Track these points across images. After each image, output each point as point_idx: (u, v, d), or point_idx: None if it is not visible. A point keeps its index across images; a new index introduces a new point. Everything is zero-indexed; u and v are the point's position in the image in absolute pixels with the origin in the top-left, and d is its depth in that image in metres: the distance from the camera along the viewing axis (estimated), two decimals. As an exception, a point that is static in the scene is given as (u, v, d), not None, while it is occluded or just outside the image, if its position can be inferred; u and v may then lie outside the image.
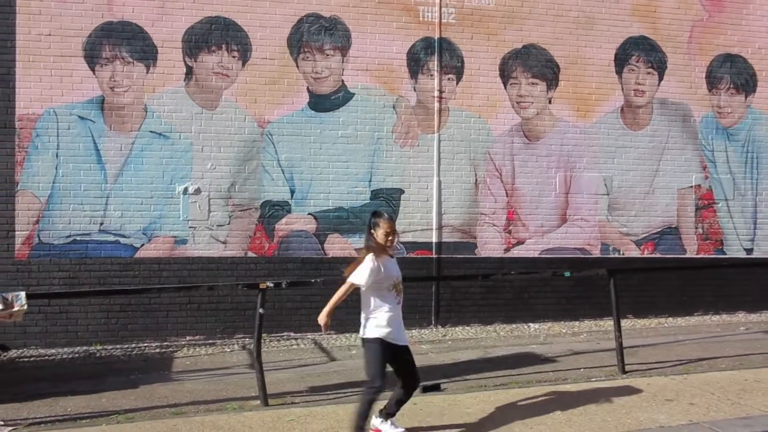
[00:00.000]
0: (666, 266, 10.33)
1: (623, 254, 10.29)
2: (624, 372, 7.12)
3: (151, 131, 9.07)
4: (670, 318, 10.23)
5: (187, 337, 9.15)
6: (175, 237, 9.14)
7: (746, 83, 10.62)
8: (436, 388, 6.57)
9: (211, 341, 9.13)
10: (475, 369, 7.48)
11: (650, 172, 10.38)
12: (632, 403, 6.12)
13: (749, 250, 10.67)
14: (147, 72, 9.04)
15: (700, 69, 10.49)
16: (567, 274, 7.96)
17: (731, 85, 10.57)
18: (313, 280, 7.22)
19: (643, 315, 10.27)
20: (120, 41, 8.96)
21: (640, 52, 10.29)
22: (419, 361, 7.90)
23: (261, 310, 6.40)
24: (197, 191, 9.17)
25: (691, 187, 10.52)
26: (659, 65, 10.35)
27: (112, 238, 8.98)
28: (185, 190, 9.15)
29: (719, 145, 10.56)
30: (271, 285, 6.59)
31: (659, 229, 10.40)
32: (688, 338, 8.94)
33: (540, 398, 6.28)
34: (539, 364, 7.67)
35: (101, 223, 8.96)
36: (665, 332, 9.42)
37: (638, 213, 10.36)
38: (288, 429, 5.69)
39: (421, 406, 6.09)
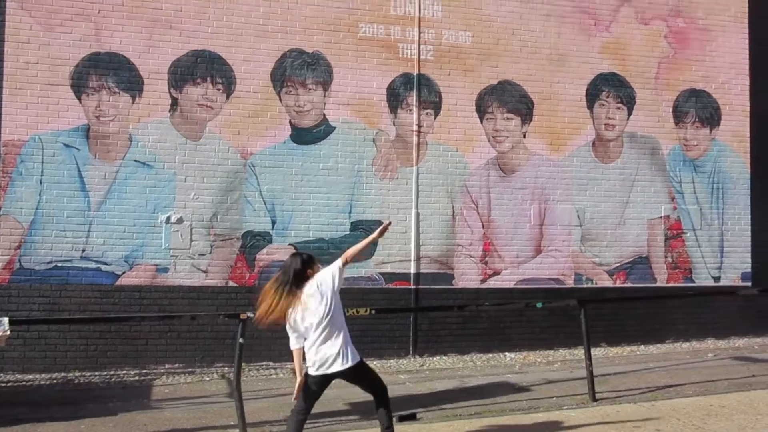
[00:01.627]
0: (636, 296, 10.42)
1: (596, 284, 10.38)
2: (595, 400, 7.14)
3: (135, 160, 9.06)
4: (642, 346, 10.30)
5: (166, 365, 9.05)
6: (156, 265, 9.08)
7: (711, 117, 10.86)
8: (411, 417, 6.54)
9: (190, 369, 9.03)
10: (450, 398, 7.46)
11: (621, 203, 10.53)
12: (602, 431, 6.14)
13: (717, 278, 10.81)
14: (133, 102, 9.05)
15: (667, 103, 10.72)
16: (539, 305, 8.03)
17: (697, 119, 10.81)
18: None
19: (616, 343, 10.33)
20: (107, 71, 8.98)
21: (610, 88, 10.50)
22: (395, 391, 7.94)
23: (241, 340, 6.37)
24: (180, 220, 9.15)
25: (661, 217, 10.68)
26: (628, 100, 10.57)
27: (93, 265, 8.90)
28: (168, 219, 9.12)
29: (686, 176, 10.75)
30: (252, 315, 6.53)
31: (631, 259, 10.52)
32: (658, 366, 9.01)
33: (512, 427, 6.28)
34: (513, 393, 7.67)
35: (83, 250, 8.88)
36: (637, 360, 9.48)
37: (610, 243, 10.48)
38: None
39: (398, 435, 6.06)
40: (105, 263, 8.94)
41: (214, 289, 9.21)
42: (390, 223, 5.66)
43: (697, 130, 10.81)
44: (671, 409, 6.73)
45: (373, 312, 7.06)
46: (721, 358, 9.47)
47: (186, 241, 9.17)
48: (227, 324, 9.19)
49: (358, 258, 5.56)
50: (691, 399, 7.13)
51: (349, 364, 5.20)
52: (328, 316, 5.14)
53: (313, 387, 5.21)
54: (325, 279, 5.21)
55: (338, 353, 5.16)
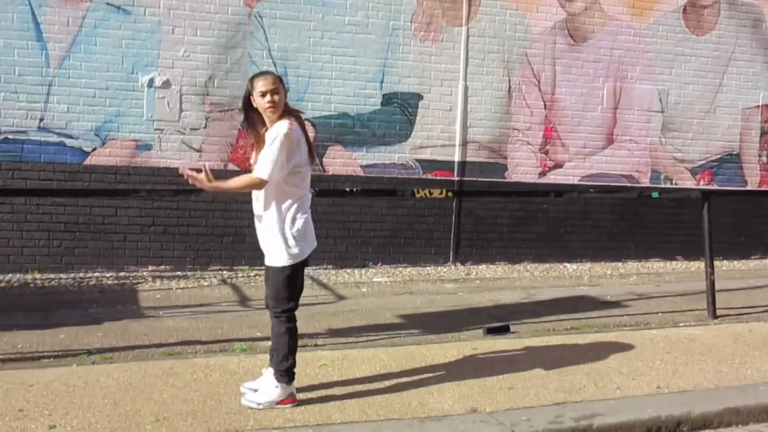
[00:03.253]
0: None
1: (676, 184, 9.79)
2: (715, 317, 6.62)
3: (107, 3, 8.00)
4: (726, 261, 9.81)
5: (150, 267, 8.29)
6: (136, 141, 8.17)
7: (829, -15, 10.10)
8: (504, 329, 5.94)
9: (179, 273, 8.29)
10: (527, 312, 6.89)
11: (712, 86, 9.84)
12: (743, 352, 5.63)
13: (820, 185, 10.32)
14: (104, -76, 7.92)
15: (779, -36, 9.92)
16: (655, 195, 7.39)
17: (812, -13, 10.03)
18: (348, 189, 6.34)
19: (695, 257, 9.81)
20: None
21: (710, -61, 9.63)
22: (449, 301, 7.35)
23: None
24: (166, 84, 8.18)
25: (758, 106, 10.05)
26: (731, -44, 9.73)
27: (55, 138, 7.96)
28: (150, 81, 8.15)
29: (794, 58, 10.07)
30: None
31: (719, 156, 9.94)
32: (761, 284, 8.51)
33: (629, 344, 5.71)
34: (603, 308, 7.13)
35: (41, 119, 7.92)
36: (727, 276, 8.98)
37: (696, 135, 9.84)
38: (324, 375, 4.96)
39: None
40: (70, 137, 8.01)
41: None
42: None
43: (811, 0, 10.06)
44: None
45: (449, 194, 6.34)
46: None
47: (174, 110, 8.24)
48: (226, 217, 8.46)
49: None
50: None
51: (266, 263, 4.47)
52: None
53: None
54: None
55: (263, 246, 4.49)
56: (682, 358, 5.44)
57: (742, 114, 10.00)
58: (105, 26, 8.01)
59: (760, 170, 10.12)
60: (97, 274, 8.08)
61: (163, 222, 8.31)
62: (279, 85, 4.32)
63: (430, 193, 5.86)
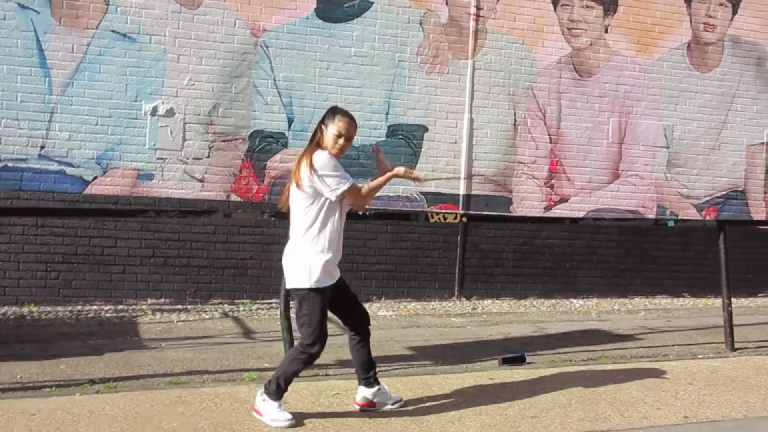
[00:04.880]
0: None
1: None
2: (734, 349, 6.50)
3: (113, 30, 7.94)
4: (733, 298, 9.64)
5: (149, 300, 8.10)
6: (138, 170, 8.06)
7: (829, 24, 10.20)
8: (520, 360, 5.79)
9: (180, 306, 8.10)
10: (540, 344, 6.76)
11: (717, 123, 9.85)
12: (764, 383, 5.52)
13: (826, 221, 10.29)
14: (111, -48, 7.91)
15: (780, 3, 10.02)
16: (671, 223, 7.32)
17: (813, 26, 10.13)
18: (360, 213, 6.16)
19: (702, 294, 9.74)
20: None
21: (713, -22, 9.73)
22: (458, 334, 7.21)
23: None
24: (169, 112, 8.10)
25: (762, 143, 10.06)
26: (734, -5, 9.84)
27: (55, 166, 7.84)
28: (154, 110, 8.07)
29: (796, 95, 10.12)
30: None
31: (724, 192, 9.91)
32: (773, 319, 8.44)
33: (649, 375, 5.59)
34: (617, 341, 7.01)
35: (42, 147, 7.80)
36: (737, 313, 8.81)
37: (701, 171, 9.82)
38: (338, 404, 4.80)
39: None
40: (71, 165, 7.88)
41: (212, 204, 8.23)
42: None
43: (812, 38, 10.15)
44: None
45: (464, 220, 6.26)
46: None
47: (177, 139, 8.15)
48: (227, 249, 8.33)
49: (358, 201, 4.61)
50: None
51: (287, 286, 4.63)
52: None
53: None
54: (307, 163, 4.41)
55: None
56: (706, 388, 5.32)
57: (747, 151, 10.01)
58: (109, 54, 7.95)
59: (765, 207, 10.09)
60: (95, 306, 7.89)
61: (164, 254, 8.16)
62: (354, 133, 4.56)
63: (444, 218, 5.77)
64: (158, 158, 8.12)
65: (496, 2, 9.02)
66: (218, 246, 8.30)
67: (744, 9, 9.87)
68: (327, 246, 4.43)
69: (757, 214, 10.03)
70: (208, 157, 8.27)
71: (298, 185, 4.43)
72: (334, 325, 7.53)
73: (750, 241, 10.00)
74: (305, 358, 4.47)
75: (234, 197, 8.33)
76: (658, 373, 5.65)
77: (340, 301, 4.68)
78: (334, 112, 4.55)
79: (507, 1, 9.04)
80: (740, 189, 9.99)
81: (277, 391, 4.47)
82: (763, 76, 10.01)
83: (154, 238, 8.11)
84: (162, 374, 5.48)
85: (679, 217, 9.64)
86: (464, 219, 6.53)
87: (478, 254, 9.10)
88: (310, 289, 4.42)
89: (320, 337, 4.46)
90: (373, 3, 8.64)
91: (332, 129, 4.45)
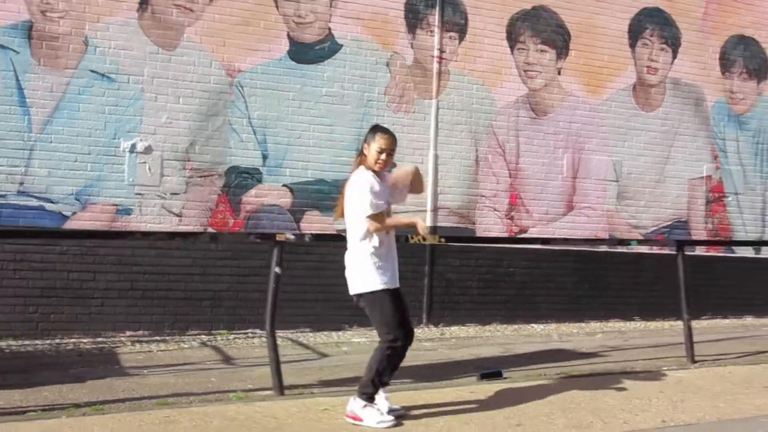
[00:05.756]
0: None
1: (632, 249, 9.79)
2: (694, 361, 6.50)
3: (92, 70, 7.76)
4: (679, 321, 9.71)
5: (127, 332, 7.78)
6: (116, 205, 7.81)
7: (759, 68, 10.52)
8: (497, 375, 5.67)
9: (159, 337, 7.79)
10: (511, 363, 6.65)
11: (661, 158, 10.02)
12: (731, 390, 5.51)
13: (758, 249, 10.45)
14: (92, -5, 7.77)
15: (714, 49, 10.31)
16: (634, 243, 7.33)
17: (744, 70, 10.44)
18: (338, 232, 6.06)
19: (651, 318, 9.77)
20: (56, -45, 7.67)
21: (654, 26, 9.98)
22: (433, 356, 7.07)
23: (277, 270, 5.31)
24: (147, 150, 7.91)
25: (702, 177, 10.24)
26: (673, 41, 10.08)
27: (34, 202, 7.54)
28: (132, 147, 7.86)
29: (731, 133, 10.36)
30: (291, 237, 5.53)
31: (669, 223, 10.02)
32: (722, 337, 8.48)
33: (622, 386, 5.53)
34: (584, 358, 6.95)
35: (21, 183, 7.51)
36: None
37: (648, 203, 9.94)
38: (328, 418, 4.61)
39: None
40: (50, 201, 7.59)
41: (190, 237, 8.00)
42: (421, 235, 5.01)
43: (743, 82, 10.44)
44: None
45: (442, 240, 6.19)
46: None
47: (155, 175, 7.94)
48: (204, 281, 8.08)
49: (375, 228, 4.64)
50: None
51: (351, 292, 4.74)
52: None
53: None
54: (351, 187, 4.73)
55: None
56: (676, 396, 5.26)
57: (689, 184, 10.17)
58: (88, 93, 7.75)
59: (707, 236, 10.22)
60: (74, 339, 7.53)
61: (142, 286, 7.87)
62: (394, 148, 4.76)
63: (424, 239, 5.67)
64: (137, 194, 7.89)
65: (458, 46, 9.09)
66: (195, 278, 8.04)
67: (683, 54, 10.13)
68: (384, 252, 4.60)
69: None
70: (185, 192, 8.06)
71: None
72: (309, 351, 7.37)
73: (692, 267, 10.05)
74: (390, 352, 4.53)
75: (210, 230, 8.11)
76: (629, 384, 5.59)
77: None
78: (374, 130, 4.77)
79: (468, 45, 9.13)
80: (683, 219, 10.12)
81: (375, 389, 4.50)
82: (701, 115, 10.24)
83: (132, 271, 7.83)
84: (148, 397, 5.21)
85: (642, 238, 9.72)
86: (442, 240, 6.47)
87: (445, 283, 9.01)
88: (376, 291, 4.52)
89: (398, 330, 4.56)
90: (342, 45, 8.64)
91: (374, 146, 4.65)
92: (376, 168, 4.67)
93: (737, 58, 10.41)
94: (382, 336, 4.63)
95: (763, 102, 10.57)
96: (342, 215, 4.81)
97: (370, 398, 4.54)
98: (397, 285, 4.68)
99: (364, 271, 4.57)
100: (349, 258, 4.71)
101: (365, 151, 4.72)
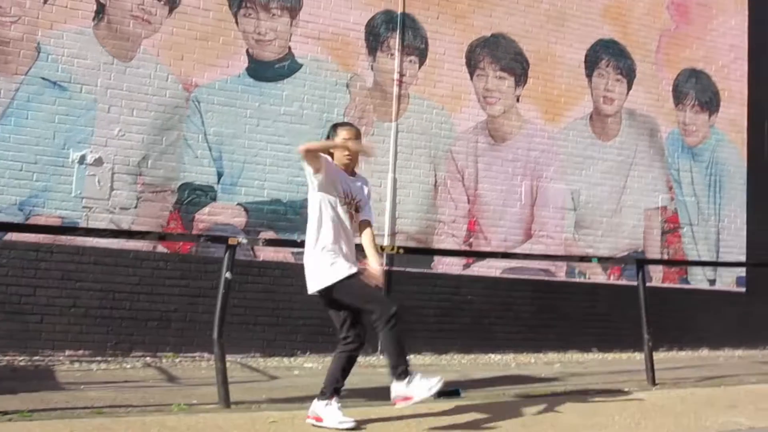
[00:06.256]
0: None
1: (589, 278, 9.69)
2: (654, 383, 6.32)
3: (43, 78, 7.45)
4: (637, 353, 9.59)
5: (67, 352, 7.33)
6: (62, 218, 7.43)
7: (710, 101, 10.63)
8: (454, 393, 5.40)
9: (100, 358, 7.36)
10: (470, 386, 6.35)
11: (618, 188, 9.98)
12: (693, 409, 5.34)
13: (712, 281, 10.45)
14: (45, 2, 7.49)
15: (667, 82, 10.40)
16: (595, 260, 7.19)
17: (696, 102, 10.54)
18: (298, 239, 5.79)
19: (609, 349, 9.60)
20: (11, -40, 7.41)
21: (610, 57, 10.04)
22: (387, 380, 6.75)
23: (228, 275, 5.00)
24: (98, 162, 7.57)
25: (658, 208, 10.21)
26: (628, 73, 10.14)
27: (-25, 212, 7.14)
28: (82, 158, 7.53)
29: (684, 164, 10.40)
30: (244, 241, 5.24)
31: (626, 252, 9.93)
32: (680, 366, 8.32)
33: (584, 405, 5.30)
34: (543, 381, 6.73)
35: (-39, 192, 7.11)
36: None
37: (605, 233, 9.86)
38: (275, 430, 4.28)
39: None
40: (-9, 210, 7.21)
41: (138, 255, 7.64)
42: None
43: (696, 115, 10.53)
44: (751, 392, 5.98)
45: (400, 251, 5.94)
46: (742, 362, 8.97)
47: (105, 189, 7.59)
48: (151, 300, 7.69)
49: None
50: (759, 385, 6.42)
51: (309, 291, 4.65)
52: None
53: None
54: None
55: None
56: (638, 414, 5.06)
57: (645, 214, 10.14)
58: (38, 101, 7.42)
59: (662, 268, 10.16)
60: (8, 357, 7.07)
61: (85, 304, 7.45)
62: (359, 137, 4.74)
63: (382, 248, 5.44)
64: (84, 207, 7.52)
65: (418, 69, 9.00)
66: (142, 297, 7.65)
67: (637, 85, 10.20)
68: (344, 246, 4.53)
69: (656, 273, 10.08)
70: (135, 207, 7.72)
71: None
72: (258, 374, 7.01)
73: (650, 299, 9.98)
74: (394, 322, 4.40)
75: (161, 249, 7.75)
76: (591, 403, 5.40)
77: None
78: (335, 126, 4.79)
79: (428, 69, 9.04)
80: (640, 249, 10.05)
81: (407, 366, 4.42)
82: (656, 146, 10.27)
83: (75, 287, 7.41)
84: (83, 407, 4.82)
85: (585, 279, 9.61)
86: (401, 251, 6.25)
87: (401, 310, 8.72)
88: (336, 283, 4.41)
89: (384, 299, 4.59)
90: (302, 65, 8.47)
91: (339, 137, 4.66)
92: (345, 160, 4.63)
93: (689, 90, 10.52)
94: (377, 311, 4.43)
95: (715, 134, 10.66)
96: None
97: (332, 395, 4.43)
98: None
99: (328, 264, 4.46)
100: (308, 256, 4.57)
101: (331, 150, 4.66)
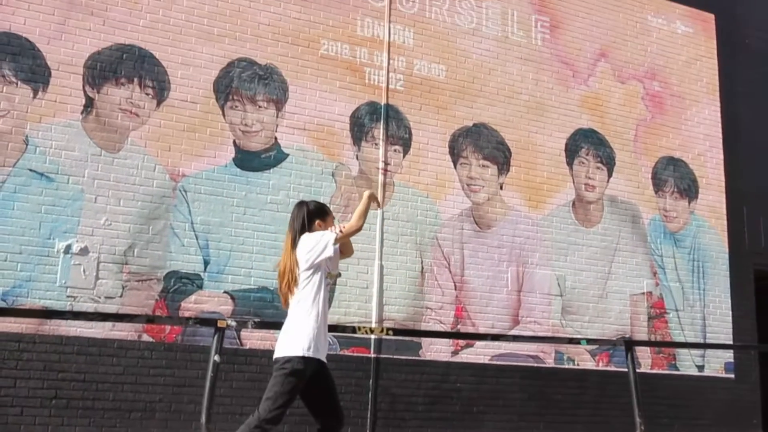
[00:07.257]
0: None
1: (578, 365, 9.67)
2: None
3: (30, 169, 7.58)
4: (630, 441, 9.53)
5: (47, 447, 7.17)
6: (46, 307, 7.40)
7: (689, 188, 10.92)
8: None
9: (80, 453, 7.20)
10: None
11: (603, 273, 10.10)
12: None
13: (701, 367, 10.45)
14: (34, 96, 7.71)
15: (647, 169, 10.70)
16: (584, 342, 7.20)
17: (675, 189, 10.82)
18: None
19: (600, 437, 9.52)
20: (3, 55, 7.65)
21: (590, 145, 10.36)
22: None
23: (217, 358, 5.01)
24: (83, 251, 7.62)
25: (643, 293, 10.31)
26: (608, 161, 10.44)
27: (-44, 302, 7.11)
28: (68, 248, 7.57)
29: (667, 250, 10.58)
30: (233, 323, 5.26)
31: (613, 338, 9.94)
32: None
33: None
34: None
35: (-56, 282, 7.10)
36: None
37: (592, 319, 9.91)
38: None
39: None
40: (-27, 301, 7.18)
41: (123, 344, 7.59)
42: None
43: (676, 201, 10.79)
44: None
45: (390, 333, 5.94)
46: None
47: (90, 278, 7.61)
48: (136, 391, 7.62)
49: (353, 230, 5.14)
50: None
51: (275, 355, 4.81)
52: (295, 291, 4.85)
53: None
54: (303, 243, 4.95)
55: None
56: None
57: (631, 300, 10.23)
58: (25, 191, 7.52)
59: (651, 353, 10.18)
60: (-15, 453, 6.92)
61: (67, 395, 7.33)
62: None
63: (371, 330, 5.49)
64: (68, 296, 7.51)
65: (402, 158, 9.24)
66: (126, 387, 7.55)
67: (617, 172, 10.48)
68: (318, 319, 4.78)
69: (644, 359, 10.07)
70: (120, 296, 7.72)
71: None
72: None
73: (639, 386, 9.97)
74: (260, 428, 4.47)
75: (146, 337, 7.71)
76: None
77: (323, 382, 4.77)
78: (323, 208, 5.27)
79: (412, 158, 9.28)
80: (627, 335, 10.08)
81: None
82: (638, 232, 10.47)
83: (57, 378, 7.32)
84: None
85: (575, 365, 9.61)
86: (390, 332, 6.27)
87: (390, 398, 8.65)
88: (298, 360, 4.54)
89: (280, 417, 4.57)
90: (288, 155, 8.68)
91: (330, 218, 5.24)
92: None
93: (668, 177, 10.82)
94: (263, 408, 4.62)
95: (696, 220, 10.90)
96: (288, 290, 4.87)
97: None
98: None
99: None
100: (289, 324, 4.79)
101: (318, 227, 5.07)
